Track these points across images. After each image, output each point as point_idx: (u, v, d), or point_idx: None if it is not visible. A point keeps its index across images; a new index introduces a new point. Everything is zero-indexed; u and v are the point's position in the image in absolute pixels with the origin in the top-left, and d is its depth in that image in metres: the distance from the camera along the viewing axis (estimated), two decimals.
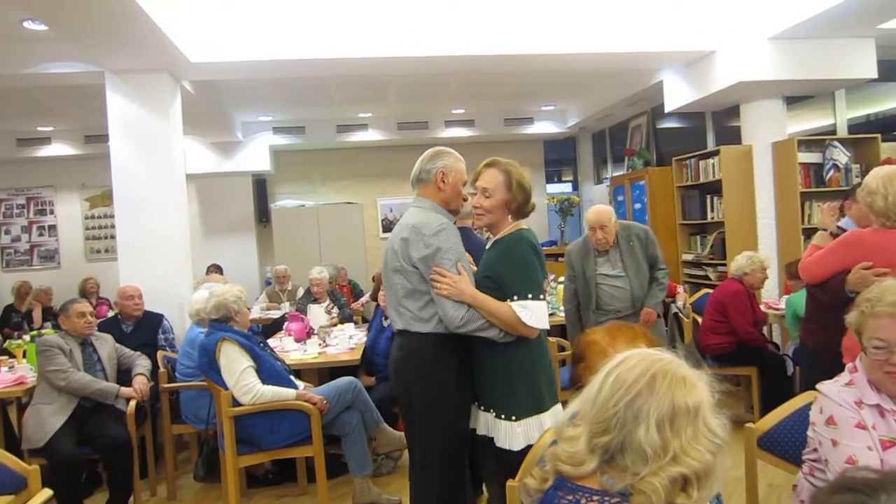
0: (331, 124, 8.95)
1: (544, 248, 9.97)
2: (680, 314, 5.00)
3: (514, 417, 2.28)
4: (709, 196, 6.46)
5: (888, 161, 5.64)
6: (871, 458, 1.63)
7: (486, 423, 2.38)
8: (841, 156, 5.73)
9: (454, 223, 2.51)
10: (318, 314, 4.99)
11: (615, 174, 8.92)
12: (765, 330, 5.04)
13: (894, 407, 1.71)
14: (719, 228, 6.28)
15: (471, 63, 5.46)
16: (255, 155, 8.92)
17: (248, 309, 3.85)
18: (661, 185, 7.07)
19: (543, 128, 9.57)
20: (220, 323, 3.52)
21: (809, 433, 1.83)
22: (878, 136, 5.85)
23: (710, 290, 5.65)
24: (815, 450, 1.80)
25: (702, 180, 6.44)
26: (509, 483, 1.57)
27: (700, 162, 6.46)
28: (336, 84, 6.91)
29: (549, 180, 10.81)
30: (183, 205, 5.26)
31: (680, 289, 5.71)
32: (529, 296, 2.25)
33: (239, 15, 4.88)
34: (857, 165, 5.80)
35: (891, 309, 1.69)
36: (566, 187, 10.90)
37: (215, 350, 3.35)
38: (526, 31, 5.15)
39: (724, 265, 6.11)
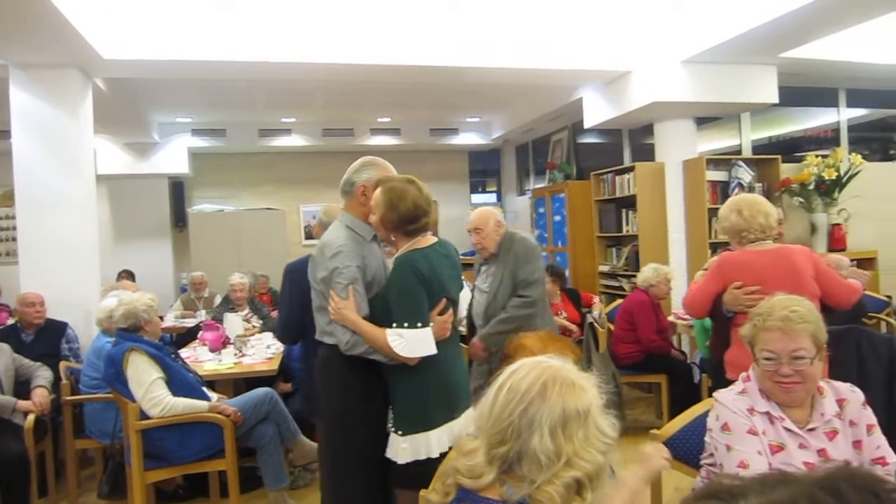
0: (253, 128, 8.76)
1: (466, 257, 9.94)
2: (595, 324, 5.16)
3: (400, 432, 2.34)
4: (624, 210, 6.70)
5: (786, 182, 6.03)
6: (761, 462, 1.74)
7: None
8: (745, 175, 6.07)
9: (374, 236, 2.51)
10: (234, 323, 4.85)
11: (537, 186, 9.13)
12: (673, 339, 5.25)
13: (782, 414, 1.82)
14: (634, 241, 6.53)
15: (396, 72, 5.48)
16: (172, 157, 8.62)
17: (161, 318, 3.72)
18: (581, 199, 7.28)
19: (468, 139, 9.69)
20: (129, 332, 3.38)
21: (707, 439, 1.93)
22: (779, 157, 6.24)
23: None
24: (712, 454, 1.90)
25: (618, 195, 6.68)
26: (421, 493, 1.58)
27: (616, 177, 6.70)
28: (259, 88, 6.78)
29: (474, 191, 10.96)
30: (91, 207, 5.02)
31: (596, 299, 5.90)
32: (406, 324, 2.27)
33: (157, 12, 4.71)
34: (760, 184, 6.16)
35: (779, 323, 1.80)
36: (491, 198, 11.08)
37: (122, 360, 3.21)
38: (450, 44, 5.21)
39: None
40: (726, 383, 1.99)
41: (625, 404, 5.03)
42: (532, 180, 9.96)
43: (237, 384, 4.18)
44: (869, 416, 1.85)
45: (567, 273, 7.02)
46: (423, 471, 2.12)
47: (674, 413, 3.74)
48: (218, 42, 4.83)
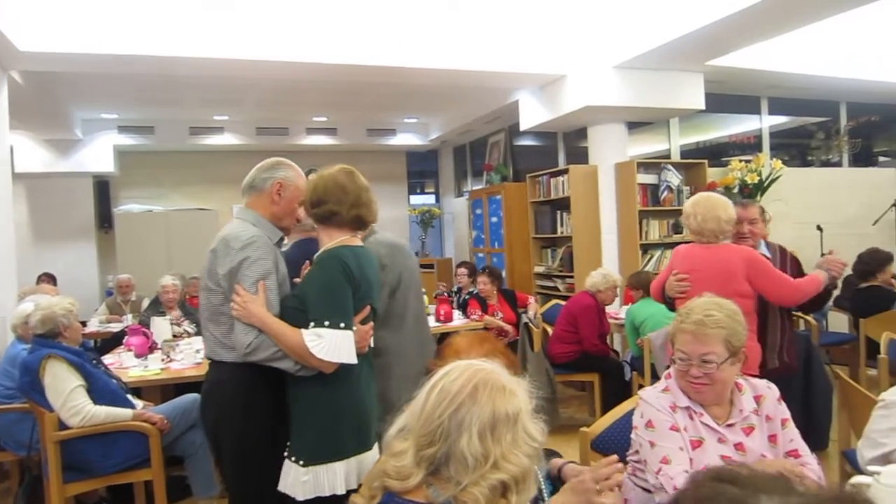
0: (183, 126, 8.50)
1: None
2: (531, 324, 5.22)
3: (301, 462, 2.02)
4: (559, 212, 6.82)
5: (712, 185, 6.25)
6: (682, 458, 1.79)
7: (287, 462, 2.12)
8: (674, 178, 6.27)
9: (280, 239, 2.32)
10: (162, 327, 4.68)
11: (475, 188, 9.20)
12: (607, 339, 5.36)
13: (702, 410, 1.89)
14: (568, 242, 6.65)
15: (331, 71, 5.41)
16: (97, 155, 8.27)
17: (84, 323, 3.56)
18: (517, 200, 7.38)
19: (406, 139, 9.67)
20: (47, 338, 3.22)
21: (632, 436, 1.98)
22: (705, 161, 6.47)
23: (560, 301, 5.96)
24: (637, 451, 1.95)
25: (553, 196, 6.79)
26: (351, 498, 1.55)
27: (551, 179, 6.81)
28: (189, 84, 6.57)
29: (413, 192, 10.96)
30: (7, 206, 4.75)
31: (531, 300, 5.99)
32: (326, 323, 1.98)
33: (79, 2, 4.50)
34: (688, 187, 6.37)
35: (692, 326, 1.87)
36: (429, 199, 11.10)
37: (39, 368, 3.07)
38: (387, 44, 5.18)
39: (572, 277, 6.47)
40: None
41: (559, 402, 5.11)
42: (470, 182, 10.03)
43: (166, 391, 4.04)
44: (784, 411, 1.93)
45: (504, 274, 7.10)
46: None
47: (606, 410, 3.82)
48: (143, 36, 4.64)
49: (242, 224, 2.21)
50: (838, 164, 7.81)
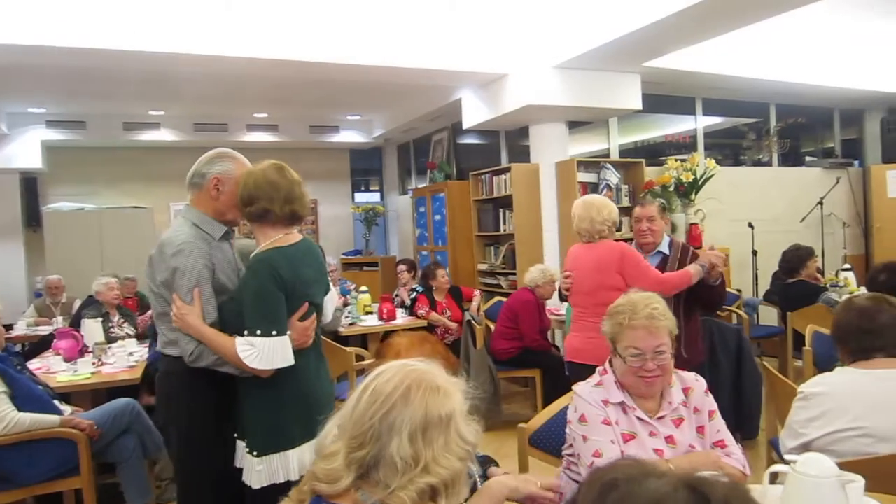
0: (116, 120, 8.20)
1: (348, 257, 9.83)
2: (473, 321, 5.25)
3: (255, 453, 2.11)
4: (501, 210, 6.87)
5: (650, 183, 6.41)
6: (614, 451, 1.84)
7: (240, 453, 2.22)
8: (612, 176, 6.40)
9: (226, 233, 2.30)
10: (93, 329, 4.52)
11: (419, 186, 9.19)
12: (548, 334, 5.45)
13: (634, 404, 1.94)
14: (510, 240, 6.71)
15: (271, 67, 5.31)
16: (24, 150, 7.91)
17: (10, 326, 3.41)
18: (460, 198, 7.41)
19: (349, 137, 9.59)
20: None
21: (567, 430, 2.01)
22: (643, 160, 6.63)
23: (502, 298, 6.01)
24: (571, 445, 1.99)
25: (495, 194, 6.84)
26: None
27: (494, 177, 6.86)
28: (122, 78, 6.34)
29: (357, 189, 10.88)
30: None
31: (476, 293, 6.03)
32: (259, 332, 2.03)
33: None
34: (626, 185, 6.52)
35: (645, 322, 1.91)
36: (373, 197, 11.04)
37: None
38: (329, 40, 5.12)
39: (515, 274, 6.53)
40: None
41: (502, 399, 5.15)
42: (413, 179, 10.01)
43: (97, 395, 3.90)
44: (710, 402, 1.99)
45: (447, 272, 7.11)
46: (284, 495, 1.98)
47: (548, 405, 3.88)
48: (71, 26, 4.44)
49: (182, 225, 2.23)
50: (768, 164, 8.12)
